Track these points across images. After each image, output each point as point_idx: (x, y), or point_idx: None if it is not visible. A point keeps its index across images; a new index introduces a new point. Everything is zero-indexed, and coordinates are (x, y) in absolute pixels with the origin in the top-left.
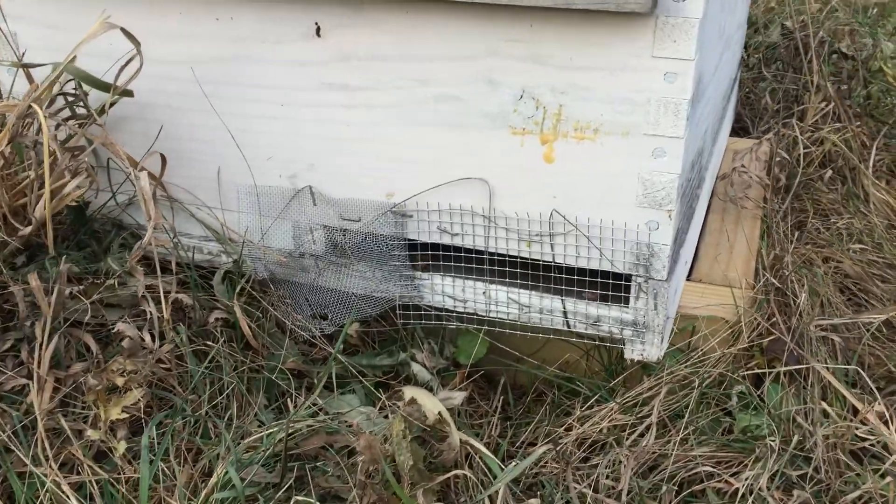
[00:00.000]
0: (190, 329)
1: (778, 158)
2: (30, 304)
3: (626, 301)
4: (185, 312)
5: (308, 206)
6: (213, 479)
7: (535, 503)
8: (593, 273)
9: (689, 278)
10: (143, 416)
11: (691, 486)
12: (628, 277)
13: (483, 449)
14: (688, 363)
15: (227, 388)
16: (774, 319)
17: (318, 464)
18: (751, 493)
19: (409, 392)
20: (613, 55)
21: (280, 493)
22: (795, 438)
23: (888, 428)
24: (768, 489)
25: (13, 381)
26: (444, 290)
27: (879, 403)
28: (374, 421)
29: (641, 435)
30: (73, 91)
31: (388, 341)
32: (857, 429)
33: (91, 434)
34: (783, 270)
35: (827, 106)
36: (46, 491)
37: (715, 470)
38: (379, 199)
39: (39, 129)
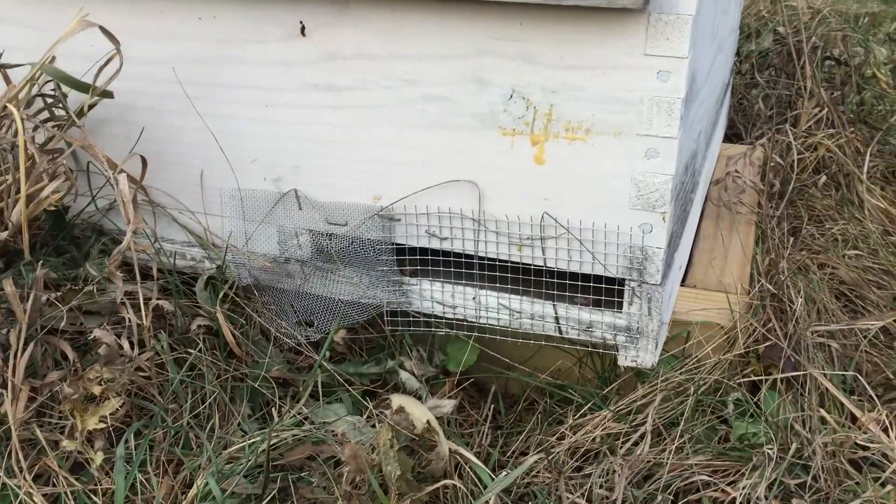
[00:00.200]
0: (171, 337)
1: (772, 164)
2: (5, 310)
3: (620, 306)
4: (167, 320)
5: (293, 210)
6: (193, 491)
7: None
8: (586, 277)
9: (683, 284)
10: (121, 426)
11: (687, 496)
12: (621, 282)
13: (473, 458)
14: (683, 370)
15: (210, 397)
16: (771, 325)
17: (302, 474)
18: (748, 503)
19: (396, 400)
20: (605, 53)
21: None
22: (794, 446)
23: (888, 436)
24: (766, 498)
25: None
26: (433, 296)
27: (879, 412)
28: (360, 430)
29: (636, 443)
30: (52, 92)
31: (375, 349)
32: (856, 437)
33: (67, 444)
34: (779, 276)
35: (820, 112)
36: (20, 503)
37: (711, 479)
38: (366, 202)
39: (16, 132)
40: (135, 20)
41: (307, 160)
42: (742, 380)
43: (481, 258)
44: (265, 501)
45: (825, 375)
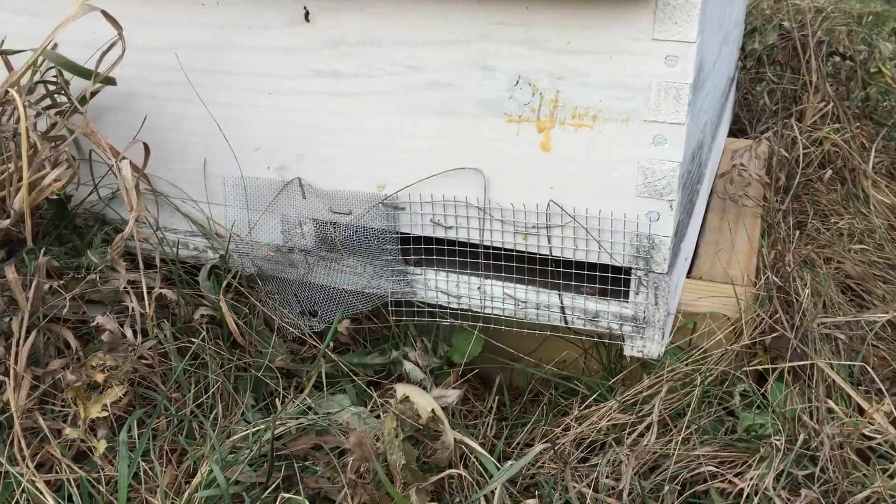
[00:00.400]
0: (174, 326)
1: (777, 157)
2: (7, 298)
3: (626, 295)
4: (170, 309)
5: (297, 199)
6: (197, 479)
7: (532, 503)
8: (592, 266)
9: (688, 276)
10: (124, 415)
11: (694, 487)
12: (628, 271)
13: (478, 448)
14: (689, 361)
15: (213, 386)
16: (777, 316)
17: (307, 463)
18: (756, 494)
19: (401, 389)
20: (612, 38)
21: (267, 492)
22: (801, 437)
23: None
24: (774, 489)
25: None
26: (438, 286)
27: (887, 403)
28: (364, 421)
29: (642, 434)
30: (54, 79)
31: (379, 339)
32: (864, 428)
33: (70, 433)
34: (785, 269)
35: (826, 106)
36: (23, 491)
37: (718, 470)
38: (370, 190)
39: (18, 119)
40: (137, 6)
41: (311, 148)
42: (749, 370)
43: (486, 247)
44: (269, 490)
45: (832, 367)
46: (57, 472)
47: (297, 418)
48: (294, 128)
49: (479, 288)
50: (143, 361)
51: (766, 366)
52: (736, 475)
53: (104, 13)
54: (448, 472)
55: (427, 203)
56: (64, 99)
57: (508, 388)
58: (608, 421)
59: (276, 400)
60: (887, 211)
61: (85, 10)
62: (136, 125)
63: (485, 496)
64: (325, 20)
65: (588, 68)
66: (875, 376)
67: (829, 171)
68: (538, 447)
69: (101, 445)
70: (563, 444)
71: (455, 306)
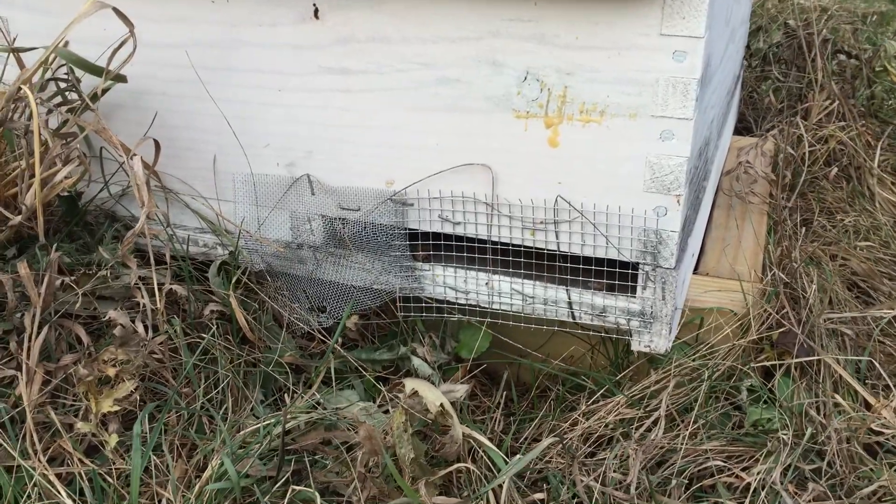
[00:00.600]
0: (184, 321)
1: (783, 155)
2: (19, 294)
3: (633, 291)
4: (180, 305)
5: (306, 195)
6: (208, 472)
7: (540, 497)
8: (599, 262)
9: (695, 272)
10: (135, 409)
11: (701, 481)
12: (635, 266)
13: (487, 442)
14: (696, 356)
15: (223, 381)
16: (784, 312)
17: (316, 458)
18: (763, 488)
19: (410, 384)
20: (621, 33)
21: (277, 486)
22: (808, 432)
23: None
24: (781, 483)
25: (1, 372)
26: (446, 282)
27: (894, 397)
28: (373, 416)
29: (649, 429)
30: (65, 76)
31: (388, 335)
32: (871, 422)
33: (81, 427)
34: (791, 265)
35: (831, 104)
36: (35, 485)
37: (725, 464)
38: (379, 187)
39: (30, 116)
40: (147, 4)
41: (320, 145)
42: (756, 365)
43: (494, 243)
44: (279, 483)
45: (839, 362)
46: (68, 466)
47: (306, 413)
48: (303, 124)
49: (486, 283)
50: (154, 356)
51: (773, 361)
52: (743, 469)
53: (116, 11)
54: (457, 465)
55: (435, 199)
56: (75, 96)
57: (516, 383)
58: (616, 416)
59: (286, 395)
60: (893, 208)
61: (96, 7)
62: (147, 122)
63: (493, 490)
64: (334, 17)
65: (596, 64)
66: (882, 371)
67: (835, 169)
68: (546, 441)
69: (113, 439)
70: (571, 438)
71: (463, 302)
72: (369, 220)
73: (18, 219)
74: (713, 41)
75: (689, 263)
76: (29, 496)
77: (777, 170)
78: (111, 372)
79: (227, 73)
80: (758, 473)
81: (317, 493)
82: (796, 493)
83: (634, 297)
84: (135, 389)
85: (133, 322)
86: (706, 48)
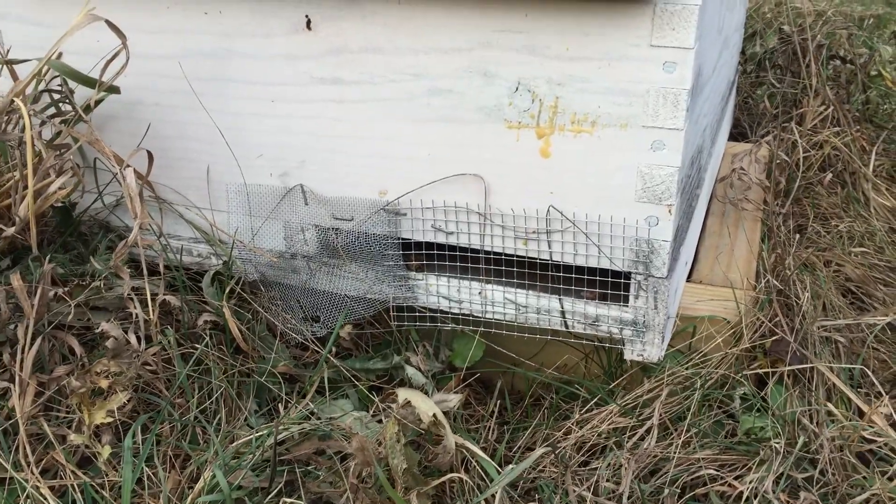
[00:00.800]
0: (178, 332)
1: (777, 161)
2: (12, 305)
3: (626, 300)
4: (174, 315)
5: (299, 206)
6: (200, 484)
7: None
8: (592, 271)
9: (688, 280)
10: (128, 420)
11: (694, 490)
12: (628, 275)
13: (479, 452)
14: (689, 364)
15: (216, 392)
16: (777, 320)
17: (309, 468)
18: (755, 496)
19: (403, 394)
20: (611, 44)
21: (269, 497)
22: (801, 440)
23: (895, 430)
24: (773, 492)
25: None
26: (439, 291)
27: (886, 405)
28: (367, 425)
29: (642, 438)
30: (59, 88)
31: (381, 344)
32: (863, 431)
33: (74, 438)
34: (785, 272)
35: (826, 110)
36: (27, 497)
37: (718, 473)
38: (372, 197)
39: (24, 127)
40: (141, 16)
41: (313, 155)
42: (749, 373)
43: (487, 252)
44: (272, 494)
45: (832, 370)
46: (61, 478)
47: (299, 423)
48: (296, 135)
49: (480, 293)
50: (147, 367)
51: (766, 369)
52: (736, 478)
53: (108, 23)
54: (449, 476)
55: (428, 209)
56: (69, 108)
57: (510, 392)
58: (609, 424)
59: (279, 405)
60: (888, 214)
61: (90, 19)
62: (140, 133)
63: (486, 500)
64: (327, 28)
65: (587, 74)
66: (875, 379)
67: (830, 175)
68: (539, 451)
69: (106, 451)
70: (564, 447)
71: (456, 311)
72: (363, 230)
73: (12, 230)
74: (704, 51)
75: (681, 272)
76: None
77: (771, 176)
78: (104, 383)
79: (220, 84)
80: (750, 482)
81: None
82: (788, 502)
83: (627, 306)
84: (128, 401)
85: (126, 333)
86: (696, 58)
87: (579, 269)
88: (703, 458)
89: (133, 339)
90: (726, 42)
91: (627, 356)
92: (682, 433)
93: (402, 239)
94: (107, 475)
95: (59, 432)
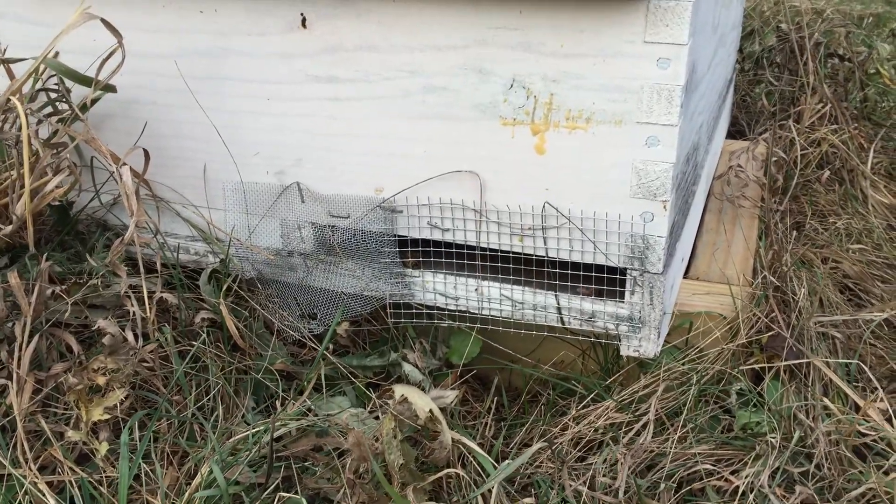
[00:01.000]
0: (175, 329)
1: (775, 158)
2: (10, 303)
3: (622, 296)
4: (171, 313)
5: (296, 203)
6: (197, 479)
7: (529, 502)
8: (588, 267)
9: (685, 276)
10: (126, 417)
11: (690, 485)
12: (623, 271)
13: (476, 447)
14: (685, 360)
15: (214, 389)
16: (774, 315)
17: (306, 464)
18: (751, 491)
19: (399, 390)
20: (605, 41)
21: (266, 493)
22: (797, 435)
23: (891, 425)
24: (769, 486)
25: None
26: (436, 288)
27: (882, 399)
28: (364, 422)
29: (638, 433)
30: (55, 87)
31: (378, 341)
32: (859, 425)
33: (72, 435)
34: (782, 269)
35: (823, 108)
36: (26, 493)
37: (714, 468)
38: (368, 194)
39: (20, 126)
40: (136, 14)
41: (309, 153)
42: (745, 368)
43: (483, 249)
44: (268, 490)
45: (828, 365)
46: (59, 474)
47: (297, 420)
48: (292, 133)
49: (476, 289)
50: (145, 364)
51: (763, 365)
52: (732, 473)
53: (104, 21)
54: (446, 471)
55: (424, 206)
56: (65, 106)
57: (507, 388)
58: (605, 420)
59: (277, 402)
60: (886, 211)
61: (85, 18)
62: (137, 132)
63: (482, 495)
64: (322, 26)
65: (581, 71)
66: (871, 375)
67: (827, 172)
68: (535, 446)
69: (103, 447)
70: (561, 443)
71: (453, 308)
72: (359, 227)
73: (9, 228)
74: (699, 47)
75: (678, 268)
76: None
77: (768, 173)
78: (101, 380)
79: (216, 83)
80: (746, 476)
81: (304, 500)
82: (784, 497)
83: (623, 301)
84: (125, 398)
85: (123, 330)
86: (690, 55)
87: (575, 266)
88: (699, 453)
89: (130, 336)
90: (722, 39)
91: (624, 352)
92: (679, 428)
93: (399, 236)
94: (104, 471)
95: (57, 429)
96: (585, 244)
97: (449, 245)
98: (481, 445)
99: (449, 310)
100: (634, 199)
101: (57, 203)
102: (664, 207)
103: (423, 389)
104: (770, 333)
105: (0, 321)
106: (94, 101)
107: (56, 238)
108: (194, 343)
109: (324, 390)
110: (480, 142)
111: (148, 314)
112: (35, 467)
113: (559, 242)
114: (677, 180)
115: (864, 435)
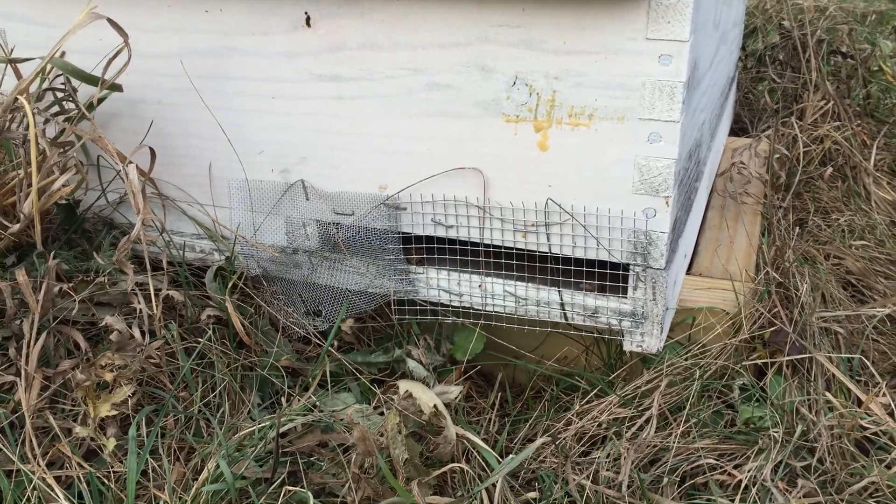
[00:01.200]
0: (181, 326)
1: (777, 155)
2: (18, 301)
3: (625, 291)
4: (177, 310)
5: (300, 201)
6: (204, 474)
7: (533, 496)
8: (591, 263)
9: (688, 273)
10: (133, 413)
11: (693, 479)
12: (626, 267)
13: (480, 442)
14: (688, 355)
15: (220, 385)
16: (776, 311)
17: (312, 459)
18: (754, 485)
19: (404, 386)
20: (607, 38)
21: (272, 487)
22: (799, 429)
23: (893, 419)
24: (772, 480)
25: (0, 378)
26: (440, 284)
27: (884, 394)
28: (368, 418)
29: (641, 428)
30: (62, 86)
31: (383, 338)
32: (861, 419)
33: (80, 431)
34: (785, 264)
35: (826, 104)
36: (34, 488)
37: (717, 462)
38: (372, 191)
39: (28, 126)
40: (142, 14)
41: (313, 151)
42: (748, 363)
43: (486, 245)
44: (275, 485)
45: (831, 360)
46: (67, 470)
47: (302, 415)
48: (296, 131)
49: (480, 286)
50: (151, 361)
51: (765, 360)
52: (735, 467)
53: (110, 21)
54: (450, 466)
55: (428, 203)
56: (72, 106)
57: (510, 384)
58: (609, 415)
59: (282, 398)
60: (888, 207)
61: (91, 18)
62: (143, 131)
63: (486, 489)
64: (325, 25)
65: (584, 68)
66: (873, 369)
67: (830, 169)
68: (539, 441)
69: (111, 443)
70: (565, 438)
71: (457, 304)
72: (363, 224)
73: (17, 227)
74: (700, 44)
75: (681, 264)
76: (28, 500)
77: (770, 170)
78: (109, 377)
79: (221, 82)
80: (749, 471)
81: (310, 494)
82: (787, 490)
83: (626, 297)
84: (132, 394)
85: (130, 327)
86: (692, 52)
87: (578, 262)
88: (702, 448)
89: (137, 333)
90: (724, 37)
91: (627, 347)
92: (682, 423)
93: (403, 233)
94: (112, 467)
95: (65, 425)
96: (588, 240)
97: (452, 242)
98: (485, 441)
99: (453, 306)
100: (637, 195)
101: (64, 202)
102: (666, 203)
103: (427, 385)
104: (773, 329)
105: (8, 318)
106: (100, 101)
107: (63, 236)
108: (200, 340)
109: (329, 386)
110: (483, 139)
111: (154, 311)
112: (43, 463)
113: (562, 239)
114: (679, 176)
115: (867, 429)
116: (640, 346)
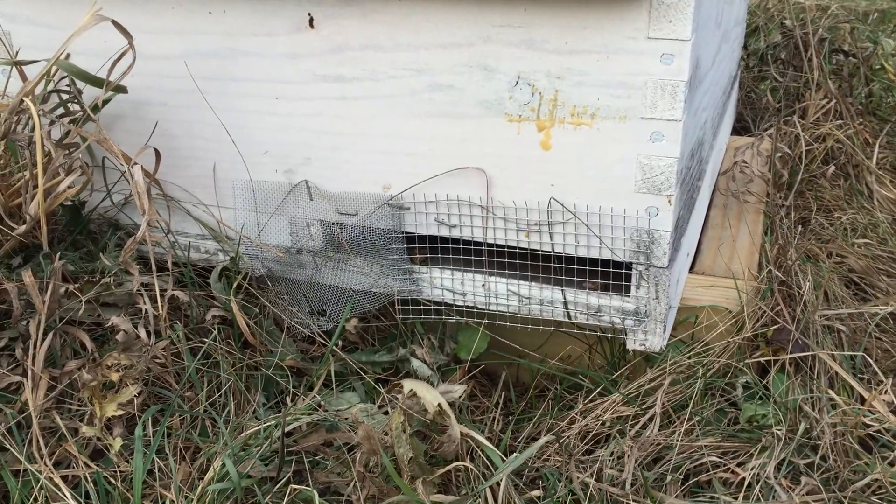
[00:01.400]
0: (187, 327)
1: (779, 154)
2: (24, 302)
3: (627, 290)
4: (182, 310)
5: (304, 201)
6: (210, 473)
7: (537, 494)
8: (593, 262)
9: (691, 271)
10: (139, 413)
11: (697, 477)
12: (629, 266)
13: (484, 441)
14: (691, 353)
15: (225, 385)
16: (779, 309)
17: (317, 458)
18: (757, 482)
19: (408, 385)
20: (609, 38)
21: (277, 486)
22: (802, 427)
23: None
24: (775, 478)
25: (7, 378)
26: (443, 284)
27: (887, 391)
28: (373, 417)
29: (645, 426)
30: (67, 88)
31: (387, 338)
32: (864, 417)
33: (86, 431)
34: (787, 263)
35: (828, 103)
36: (41, 488)
37: (721, 460)
38: (376, 191)
39: (33, 127)
40: (146, 16)
41: (317, 152)
42: (750, 361)
43: (490, 245)
44: (280, 483)
45: (833, 358)
46: (74, 469)
47: (307, 415)
48: (300, 132)
49: (483, 285)
50: (157, 361)
51: (768, 358)
52: (738, 465)
53: (115, 23)
54: (455, 464)
55: (431, 203)
56: (77, 107)
57: (514, 383)
58: (612, 414)
59: (287, 398)
60: (891, 205)
61: (96, 20)
62: (148, 132)
63: (490, 487)
64: (328, 26)
65: (586, 68)
66: (876, 367)
67: (833, 167)
68: (543, 439)
69: (117, 443)
70: (568, 436)
71: (460, 304)
72: (367, 224)
73: (23, 228)
74: (702, 43)
75: (683, 262)
76: (35, 499)
77: (772, 168)
78: (115, 377)
79: (224, 83)
80: (752, 468)
81: (315, 493)
82: (790, 488)
83: (629, 296)
84: (138, 394)
85: (136, 328)
86: (694, 50)
87: (581, 261)
88: (705, 446)
89: (143, 333)
90: (726, 36)
91: (630, 346)
92: (685, 421)
93: (406, 233)
94: (118, 466)
95: (72, 425)
96: (591, 239)
97: (456, 241)
98: (489, 439)
99: (456, 305)
100: (639, 193)
101: (69, 203)
102: (669, 202)
103: (431, 384)
104: (775, 327)
105: (15, 319)
106: (105, 102)
107: (69, 237)
108: (205, 340)
109: (333, 386)
110: (486, 139)
111: (160, 312)
112: (50, 463)
113: (565, 238)
114: (682, 175)
115: (870, 426)
116: (644, 345)
